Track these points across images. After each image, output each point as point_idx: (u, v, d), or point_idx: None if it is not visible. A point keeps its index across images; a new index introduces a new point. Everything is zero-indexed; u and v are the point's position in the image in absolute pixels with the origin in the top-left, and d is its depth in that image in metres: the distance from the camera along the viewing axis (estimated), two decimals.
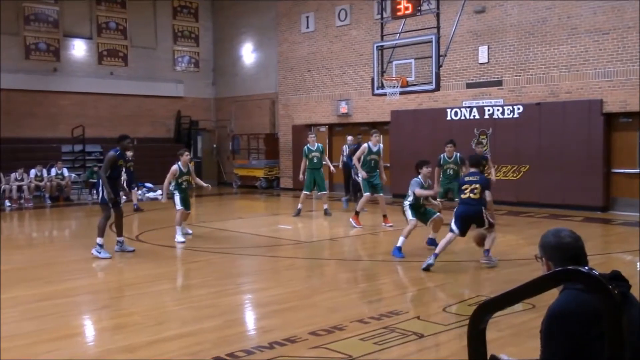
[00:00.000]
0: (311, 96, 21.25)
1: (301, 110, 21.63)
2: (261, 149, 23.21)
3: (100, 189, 9.86)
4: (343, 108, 19.99)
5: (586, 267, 2.24)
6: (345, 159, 16.82)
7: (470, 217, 8.57)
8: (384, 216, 12.77)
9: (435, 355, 5.27)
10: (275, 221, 14.29)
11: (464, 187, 8.74)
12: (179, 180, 11.10)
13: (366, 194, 12.70)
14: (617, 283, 2.59)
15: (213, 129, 25.65)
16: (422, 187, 9.35)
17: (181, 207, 11.09)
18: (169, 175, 11.05)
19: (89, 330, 6.37)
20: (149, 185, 20.78)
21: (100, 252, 9.54)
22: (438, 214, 9.78)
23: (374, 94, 14.30)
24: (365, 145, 12.79)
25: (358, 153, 12.89)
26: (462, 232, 8.65)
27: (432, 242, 9.89)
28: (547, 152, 15.23)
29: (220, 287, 7.74)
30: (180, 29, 24.71)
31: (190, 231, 11.86)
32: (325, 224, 13.85)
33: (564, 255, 2.81)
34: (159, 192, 20.15)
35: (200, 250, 10.47)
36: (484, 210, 8.56)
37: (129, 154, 16.37)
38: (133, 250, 10.04)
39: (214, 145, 25.55)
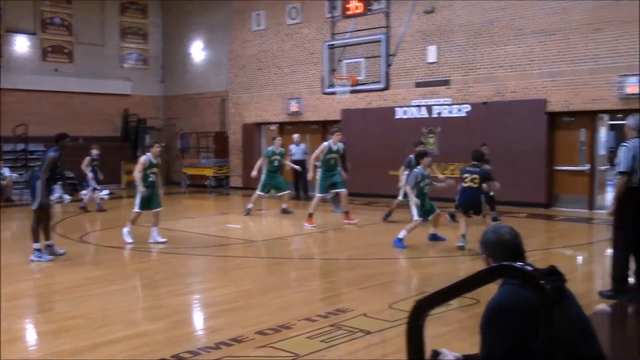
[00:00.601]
0: (262, 94, 21.17)
1: (252, 109, 21.52)
2: (211, 148, 23.01)
3: (36, 191, 9.26)
4: (294, 107, 19.97)
5: (520, 263, 2.29)
6: (293, 158, 16.72)
7: (469, 203, 9.84)
8: (346, 213, 12.81)
9: (382, 351, 5.31)
10: (224, 220, 14.18)
11: (464, 177, 9.93)
12: (147, 172, 10.63)
13: (319, 195, 12.70)
14: (553, 278, 2.66)
15: (162, 127, 25.28)
16: (423, 176, 9.92)
17: (138, 210, 10.65)
18: (138, 166, 10.62)
19: (31, 334, 6.18)
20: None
21: (40, 257, 9.19)
22: (437, 210, 10.31)
23: (324, 93, 14.32)
24: (326, 144, 12.77)
25: (317, 152, 12.81)
26: (466, 214, 9.99)
27: (434, 237, 10.43)
28: (494, 151, 15.50)
29: (167, 288, 7.63)
30: (128, 25, 24.27)
31: (162, 239, 10.78)
32: (275, 223, 13.82)
33: (503, 251, 2.87)
34: (105, 191, 19.77)
35: (148, 250, 10.31)
36: (482, 198, 9.84)
37: (95, 152, 16.07)
38: (63, 254, 9.56)
39: (162, 144, 25.11)
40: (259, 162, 14.31)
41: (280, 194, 14.47)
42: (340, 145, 12.94)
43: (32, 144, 20.91)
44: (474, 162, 10.08)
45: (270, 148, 14.38)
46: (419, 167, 10.06)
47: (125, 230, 10.79)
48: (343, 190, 12.93)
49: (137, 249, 10.39)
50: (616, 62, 13.97)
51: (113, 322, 6.22)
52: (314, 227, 12.27)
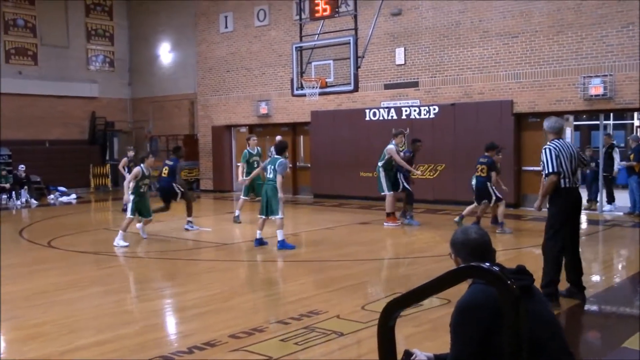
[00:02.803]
0: (231, 97, 21.09)
1: (221, 111, 21.42)
2: None
3: None
4: (263, 109, 19.94)
5: (487, 263, 2.33)
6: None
7: (478, 189, 11.63)
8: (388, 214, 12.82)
9: (356, 352, 5.33)
10: (195, 223, 14.05)
11: (477, 167, 11.66)
12: (140, 184, 10.84)
13: (390, 193, 12.68)
14: (520, 277, 2.71)
15: (130, 130, 25.00)
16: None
17: (132, 216, 10.86)
18: (130, 176, 10.89)
19: None
20: (62, 189, 20.04)
21: None
22: None
23: (293, 95, 14.32)
24: (391, 147, 12.68)
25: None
26: (477, 200, 11.69)
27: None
28: (462, 151, 15.71)
29: (138, 292, 7.56)
30: (94, 27, 23.96)
31: (145, 235, 11.46)
32: (246, 226, 13.76)
33: (472, 251, 2.92)
34: (73, 195, 19.52)
35: (117, 254, 10.19)
36: (488, 185, 11.48)
37: (131, 153, 16.26)
38: None
39: (131, 147, 24.87)
40: (240, 168, 14.03)
41: (258, 198, 14.22)
42: (259, 149, 13.37)
43: None
44: (486, 154, 11.66)
45: (246, 150, 14.15)
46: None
47: (120, 234, 10.79)
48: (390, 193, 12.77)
49: (106, 253, 10.27)
50: (580, 64, 14.25)
51: (82, 328, 6.14)
52: (398, 224, 12.57)
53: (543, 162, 6.62)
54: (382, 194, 12.76)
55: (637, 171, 13.93)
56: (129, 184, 10.80)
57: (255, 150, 13.89)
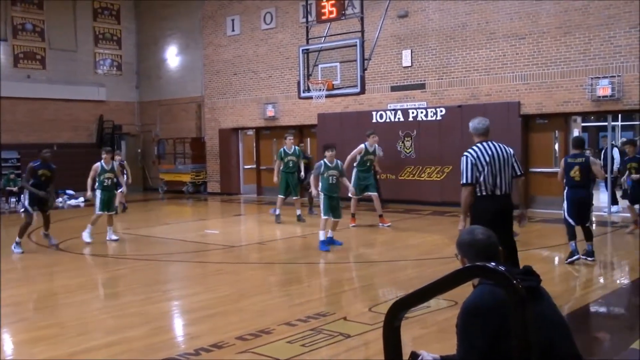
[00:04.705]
0: (237, 99, 21.13)
1: (228, 114, 21.46)
2: (187, 154, 22.89)
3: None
4: (270, 111, 19.96)
5: (493, 263, 2.33)
6: None
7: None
8: (380, 216, 12.90)
9: (363, 354, 5.34)
10: (202, 226, 14.11)
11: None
12: (101, 178, 11.31)
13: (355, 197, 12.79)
14: (527, 278, 2.70)
15: (137, 133, 25.09)
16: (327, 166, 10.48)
17: (100, 212, 11.29)
18: (91, 172, 11.39)
19: (7, 344, 6.09)
20: (70, 192, 20.12)
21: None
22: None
23: (300, 97, 14.35)
24: (362, 146, 12.74)
25: (353, 153, 12.76)
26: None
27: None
28: None
29: (146, 295, 7.58)
30: (102, 31, 24.06)
31: (115, 237, 11.59)
32: (253, 228, 13.79)
33: (478, 252, 2.92)
34: (81, 199, 19.58)
35: (126, 257, 10.24)
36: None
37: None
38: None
39: (139, 150, 25.00)
40: (276, 167, 14.11)
41: (293, 198, 14.15)
42: (377, 147, 13.01)
43: (5, 151, 20.60)
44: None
45: (282, 149, 14.16)
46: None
47: (88, 227, 11.38)
48: (374, 194, 12.89)
49: (114, 256, 10.31)
50: (587, 65, 14.20)
51: (91, 330, 6.18)
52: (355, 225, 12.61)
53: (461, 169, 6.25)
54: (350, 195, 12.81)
55: None
56: (89, 180, 11.35)
57: (292, 149, 13.89)
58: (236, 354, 5.23)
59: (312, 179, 10.69)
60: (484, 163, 6.10)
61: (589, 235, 8.91)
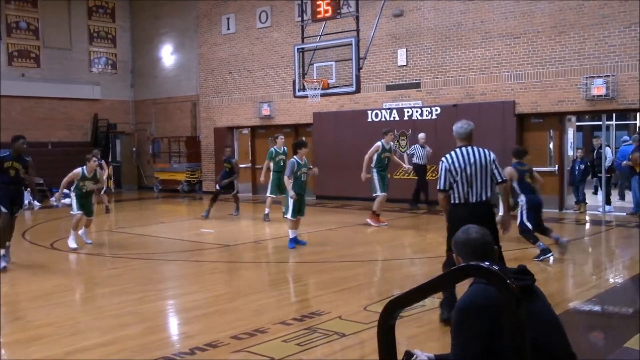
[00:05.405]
0: (233, 98, 21.11)
1: (223, 113, 21.44)
2: (182, 152, 22.87)
3: None
4: (265, 110, 19.95)
5: (487, 262, 2.34)
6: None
7: None
8: (377, 215, 12.84)
9: (358, 353, 5.34)
10: (198, 225, 14.08)
11: None
12: (80, 184, 10.65)
13: (382, 194, 12.76)
14: (521, 277, 2.71)
15: (132, 132, 25.04)
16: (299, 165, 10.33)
17: (78, 212, 10.64)
18: (69, 175, 10.63)
19: (1, 344, 6.08)
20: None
21: None
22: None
23: (295, 96, 14.34)
24: (379, 143, 12.77)
25: (371, 152, 12.73)
26: None
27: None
28: None
29: (141, 294, 7.57)
30: (96, 29, 23.99)
31: (89, 241, 11.10)
32: (248, 227, 13.79)
33: (472, 250, 2.93)
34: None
35: (120, 256, 10.21)
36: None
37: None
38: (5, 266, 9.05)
39: (134, 149, 24.95)
40: (265, 166, 14.08)
41: (283, 196, 14.22)
42: (392, 145, 13.03)
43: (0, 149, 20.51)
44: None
45: (272, 148, 14.17)
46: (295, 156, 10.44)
47: (71, 234, 10.71)
48: (383, 194, 12.83)
49: (109, 255, 10.29)
50: (582, 64, 14.24)
51: (85, 330, 6.16)
52: (381, 225, 12.50)
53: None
54: (374, 195, 12.79)
55: (638, 171, 13.90)
56: (64, 183, 10.78)
57: (282, 149, 13.90)
58: (231, 353, 5.23)
59: (286, 179, 10.47)
60: (458, 169, 5.92)
61: (547, 231, 9.51)
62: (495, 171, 6.03)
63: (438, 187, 6.06)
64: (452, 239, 5.60)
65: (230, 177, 14.51)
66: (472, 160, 5.95)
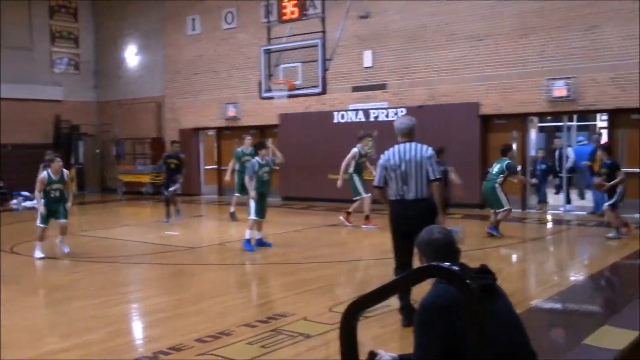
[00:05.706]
0: (198, 99, 20.95)
1: (188, 114, 21.26)
2: (147, 154, 22.59)
3: None
4: (231, 111, 19.85)
5: (448, 263, 2.35)
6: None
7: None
8: (367, 217, 12.77)
9: (323, 354, 5.33)
10: (162, 227, 13.93)
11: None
12: (47, 189, 10.11)
13: (367, 196, 12.64)
14: (483, 276, 2.74)
15: (96, 133, 24.63)
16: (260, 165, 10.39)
17: (41, 225, 10.07)
18: (37, 184, 10.12)
19: None
20: (25, 193, 19.64)
21: None
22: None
23: (261, 98, 14.27)
24: (355, 150, 12.74)
25: (348, 158, 12.71)
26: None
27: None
28: None
29: (103, 298, 7.45)
30: (58, 29, 23.56)
31: (67, 249, 10.41)
32: (213, 229, 13.70)
33: (435, 250, 2.95)
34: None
35: (83, 260, 10.03)
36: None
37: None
38: None
39: (97, 151, 24.55)
40: (230, 165, 14.02)
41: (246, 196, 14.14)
42: (367, 149, 13.00)
43: None
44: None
45: (239, 149, 14.11)
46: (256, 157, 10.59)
47: (37, 245, 10.14)
48: (367, 196, 12.75)
49: (71, 259, 10.10)
50: (544, 67, 14.48)
51: (47, 335, 6.06)
52: (376, 227, 12.31)
53: None
54: (357, 198, 12.80)
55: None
56: (38, 194, 10.11)
57: (249, 149, 13.84)
58: (195, 356, 5.18)
59: (247, 179, 10.49)
60: (393, 165, 5.93)
61: None
62: (430, 168, 5.90)
63: (373, 183, 6.19)
64: (395, 237, 5.61)
65: (178, 174, 14.19)
66: (407, 157, 5.91)
